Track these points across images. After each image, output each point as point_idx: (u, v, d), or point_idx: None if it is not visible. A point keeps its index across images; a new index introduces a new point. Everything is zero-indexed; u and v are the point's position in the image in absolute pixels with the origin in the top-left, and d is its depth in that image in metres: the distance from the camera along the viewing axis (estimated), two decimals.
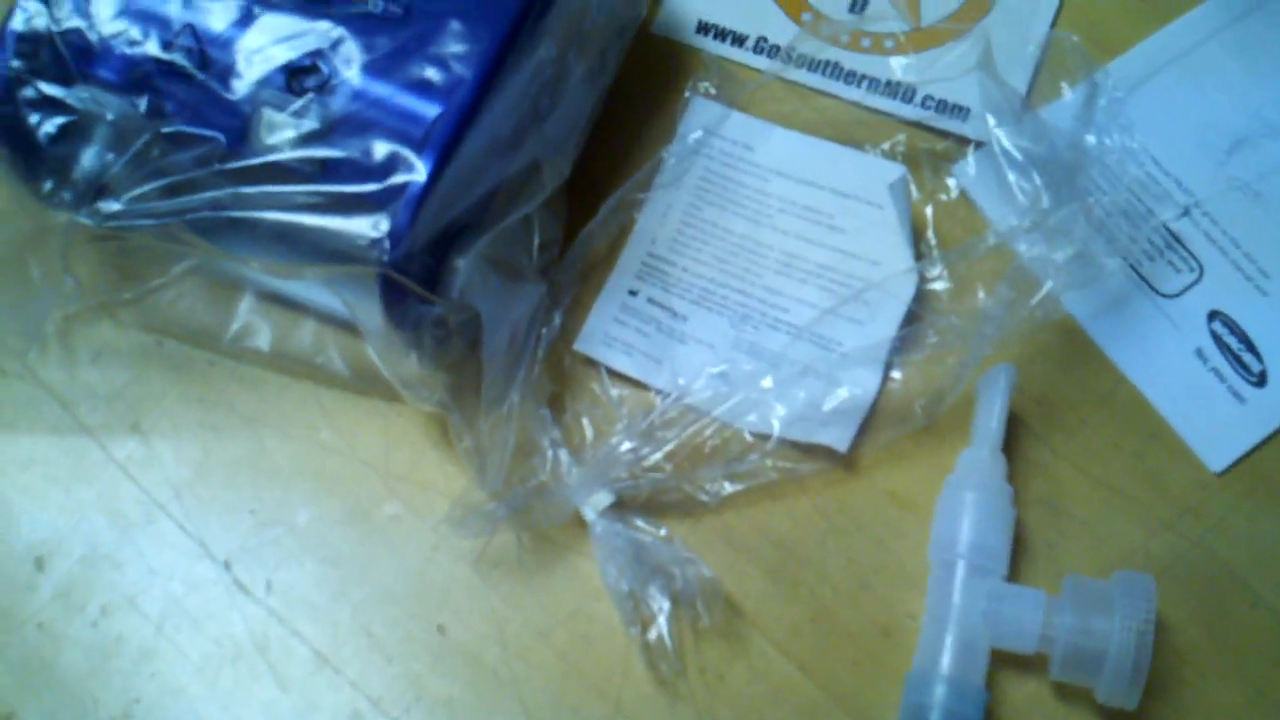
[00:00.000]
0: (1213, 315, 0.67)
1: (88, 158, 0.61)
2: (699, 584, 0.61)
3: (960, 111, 0.72)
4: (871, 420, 0.65)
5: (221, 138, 0.59)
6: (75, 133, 0.61)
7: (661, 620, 0.61)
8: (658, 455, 0.63)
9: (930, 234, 0.70)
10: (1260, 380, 0.65)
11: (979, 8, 0.75)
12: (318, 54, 0.60)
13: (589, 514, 0.63)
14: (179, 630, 0.64)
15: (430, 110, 0.59)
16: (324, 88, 0.60)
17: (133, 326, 0.70)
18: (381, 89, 0.59)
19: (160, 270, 0.67)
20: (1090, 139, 0.66)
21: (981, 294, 0.67)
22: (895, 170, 0.70)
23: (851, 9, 0.76)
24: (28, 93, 0.61)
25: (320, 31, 0.60)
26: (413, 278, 0.58)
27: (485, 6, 0.61)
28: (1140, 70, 0.72)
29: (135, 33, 0.61)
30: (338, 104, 0.59)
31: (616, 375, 0.68)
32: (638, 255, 0.70)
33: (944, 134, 0.72)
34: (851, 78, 0.74)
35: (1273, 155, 0.70)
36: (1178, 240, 0.68)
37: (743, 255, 0.70)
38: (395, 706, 0.62)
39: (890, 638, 0.62)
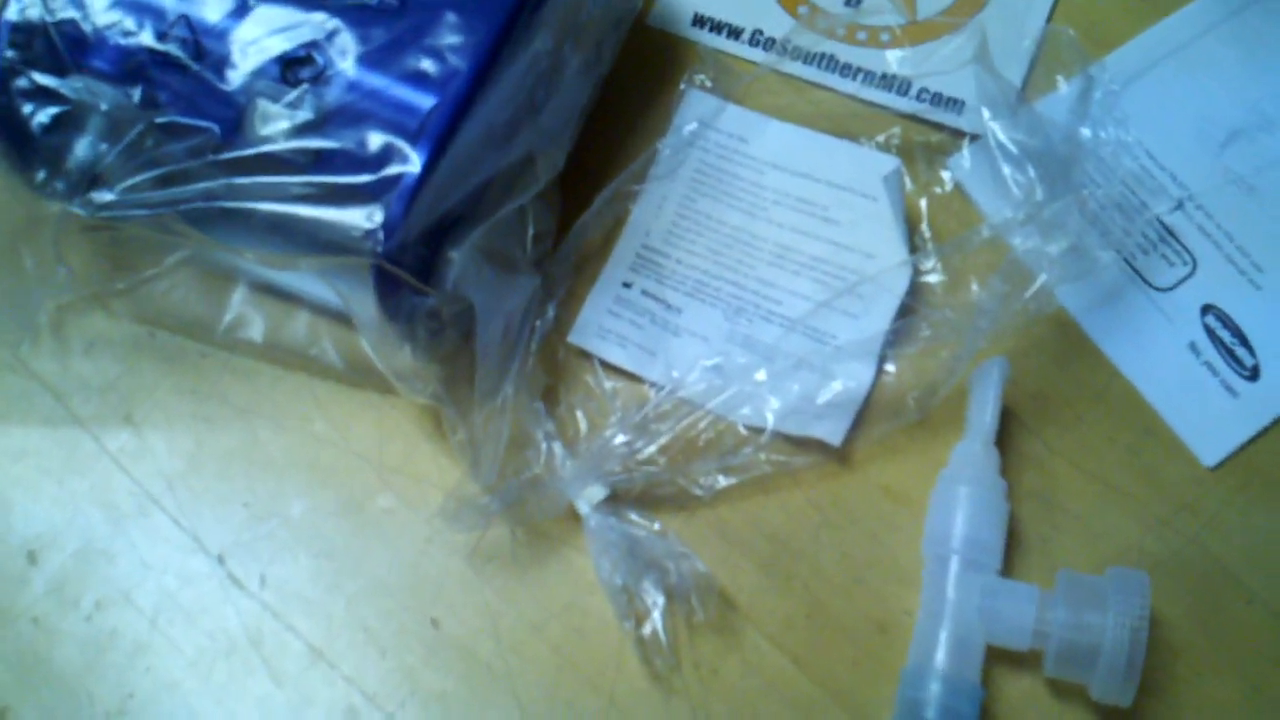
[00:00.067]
0: (1206, 309, 0.67)
1: (81, 148, 0.61)
2: (693, 578, 0.61)
3: (955, 104, 0.72)
4: (865, 414, 0.65)
5: (216, 128, 0.59)
6: (69, 123, 0.61)
7: (656, 614, 0.61)
8: (652, 448, 0.63)
9: (925, 227, 0.70)
10: (1253, 374, 0.65)
11: (975, 1, 0.75)
12: (313, 45, 0.60)
13: (583, 507, 0.63)
14: (173, 624, 0.64)
15: (425, 102, 0.59)
16: (319, 79, 0.60)
17: (125, 317, 0.70)
18: (376, 80, 0.59)
19: (153, 261, 0.67)
20: (1085, 132, 0.66)
21: (975, 287, 0.67)
22: (890, 163, 0.70)
23: (847, 2, 0.76)
24: (22, 83, 0.61)
25: (315, 23, 0.60)
26: (407, 269, 0.58)
27: None
28: (1136, 64, 0.72)
29: (130, 23, 0.61)
30: (332, 95, 0.59)
31: (610, 368, 0.68)
32: (632, 247, 0.70)
33: (939, 127, 0.72)
34: (847, 71, 0.74)
35: (1268, 149, 0.70)
36: (1171, 234, 0.68)
37: (737, 247, 0.70)
38: (390, 701, 0.62)
39: (885, 632, 0.62)
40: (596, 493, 0.62)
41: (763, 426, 0.64)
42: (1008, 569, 0.61)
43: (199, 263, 0.67)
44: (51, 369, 0.70)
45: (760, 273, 0.69)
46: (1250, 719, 0.60)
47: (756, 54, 0.75)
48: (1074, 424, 0.65)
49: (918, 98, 0.73)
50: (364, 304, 0.59)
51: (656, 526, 0.63)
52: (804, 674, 0.62)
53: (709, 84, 0.73)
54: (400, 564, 0.65)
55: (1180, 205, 0.69)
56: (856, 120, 0.73)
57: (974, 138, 0.71)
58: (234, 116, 0.59)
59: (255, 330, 0.68)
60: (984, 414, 0.63)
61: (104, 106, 0.60)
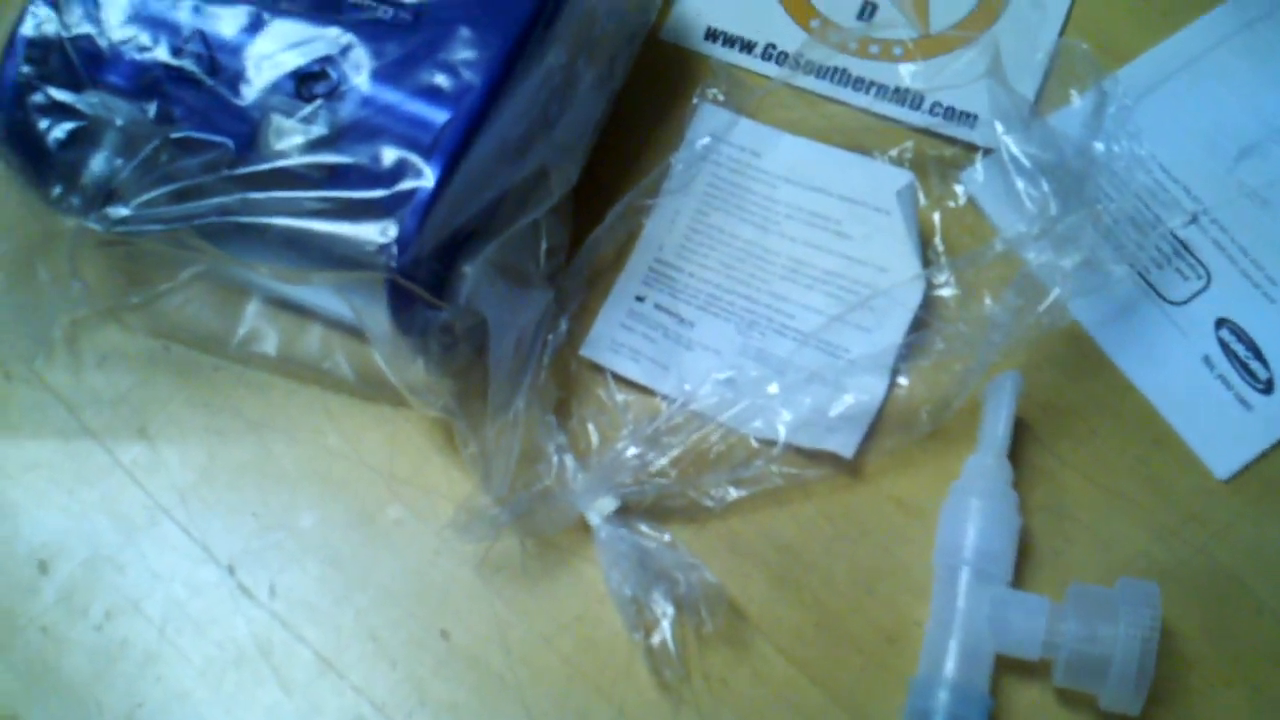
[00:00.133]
0: (1220, 323, 0.67)
1: (97, 163, 0.61)
2: (703, 589, 0.61)
3: (968, 118, 0.72)
4: (877, 426, 0.65)
5: (230, 143, 0.60)
6: (84, 138, 0.61)
7: (665, 625, 0.61)
8: (663, 461, 0.63)
9: (938, 241, 0.70)
10: (1267, 388, 0.65)
11: (988, 15, 0.75)
12: (327, 60, 0.60)
13: (593, 519, 0.63)
14: (182, 634, 0.65)
15: (439, 116, 0.59)
16: (333, 94, 0.60)
17: (140, 331, 0.70)
18: (390, 95, 0.60)
19: (168, 275, 0.67)
20: (1099, 146, 0.66)
21: (989, 301, 0.67)
22: (903, 177, 0.70)
23: (860, 16, 0.76)
24: (38, 98, 0.61)
25: (330, 38, 0.61)
26: (420, 284, 0.58)
27: (495, 13, 0.61)
28: (1149, 77, 0.72)
29: (145, 38, 0.61)
30: (347, 110, 0.59)
31: (622, 381, 0.68)
32: (645, 261, 0.70)
33: (952, 141, 0.72)
34: (860, 84, 0.74)
35: None
36: (1185, 248, 0.68)
37: (750, 261, 0.70)
38: (399, 711, 0.62)
39: (895, 644, 0.62)
40: (607, 505, 0.62)
41: (774, 439, 0.64)
42: (1019, 581, 0.61)
43: (213, 277, 0.67)
44: (65, 382, 0.70)
45: (773, 287, 0.69)
46: None
47: (769, 68, 0.75)
48: (1087, 437, 0.65)
49: (931, 112, 0.73)
50: (377, 318, 0.59)
51: (667, 538, 0.63)
52: (814, 684, 0.61)
53: (722, 98, 0.74)
54: (410, 575, 0.65)
55: (1194, 219, 0.69)
56: (869, 134, 0.73)
57: (987, 152, 0.71)
58: (248, 132, 0.60)
59: (269, 344, 0.68)
60: (997, 427, 0.63)
61: (119, 122, 0.61)
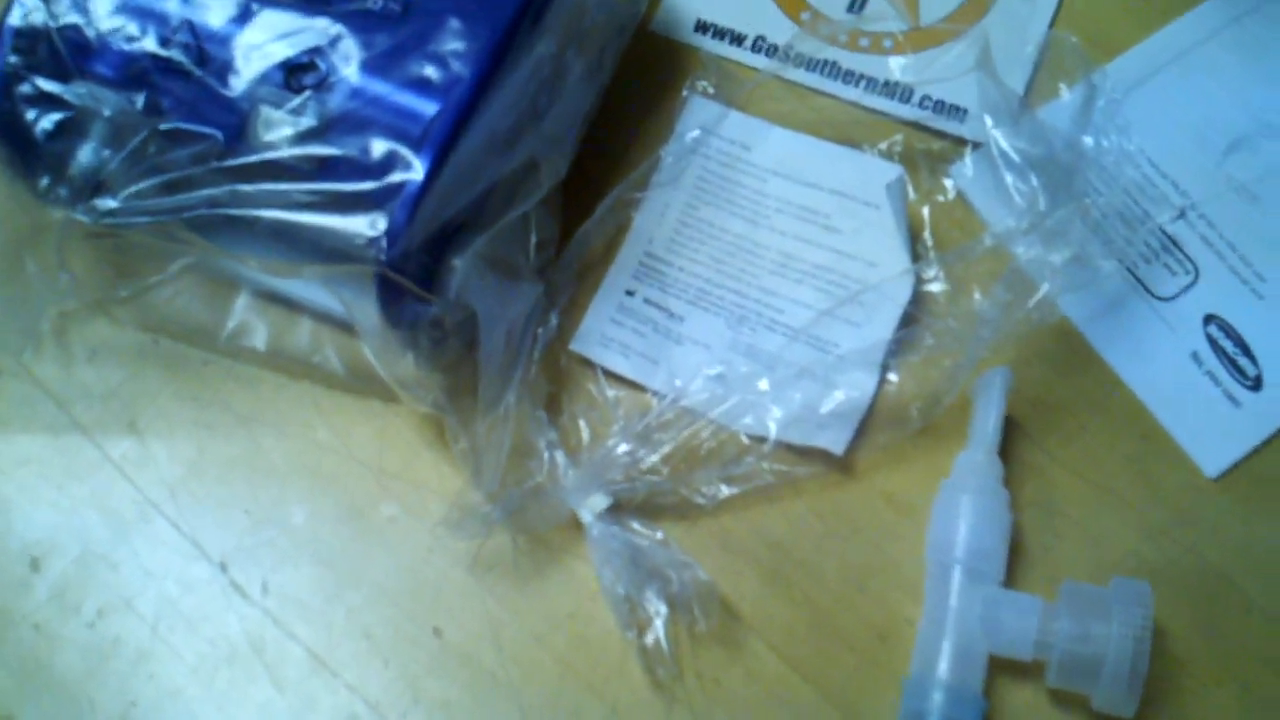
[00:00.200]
0: (1208, 319, 0.67)
1: (84, 154, 0.61)
2: (695, 587, 0.61)
3: (958, 112, 0.72)
4: (868, 423, 0.65)
5: (219, 135, 0.59)
6: (72, 129, 0.61)
7: (658, 624, 0.61)
8: (654, 458, 0.63)
9: (927, 235, 0.70)
10: (1256, 384, 0.65)
11: (978, 8, 0.75)
12: (316, 51, 0.60)
13: (585, 516, 0.62)
14: (174, 632, 0.64)
15: (428, 108, 0.58)
16: (322, 85, 0.59)
17: (128, 324, 0.70)
18: (380, 87, 0.59)
19: (156, 268, 0.67)
20: (1088, 140, 0.66)
21: (978, 296, 0.67)
22: (892, 170, 0.70)
23: (850, 8, 0.76)
24: (25, 89, 0.61)
25: (319, 29, 0.60)
26: (409, 277, 0.58)
27: (484, 4, 0.61)
28: (1139, 71, 0.72)
29: (133, 29, 0.61)
30: (336, 101, 0.59)
31: (613, 376, 0.68)
32: (635, 255, 0.70)
33: (941, 134, 0.72)
34: (850, 77, 0.74)
35: (1270, 156, 0.70)
36: (1174, 243, 0.68)
37: (740, 255, 0.70)
38: (393, 710, 0.62)
39: (887, 641, 0.62)
40: (599, 502, 0.62)
41: (765, 436, 0.64)
42: (1010, 578, 0.61)
43: (202, 270, 0.67)
44: (54, 375, 0.69)
45: (763, 281, 0.69)
46: None
47: (759, 60, 0.75)
48: (1076, 433, 0.65)
49: (920, 105, 0.73)
50: (367, 312, 0.59)
51: (659, 535, 0.63)
52: (806, 683, 0.62)
53: (711, 90, 0.73)
54: (402, 572, 0.65)
55: (1182, 214, 0.69)
56: (859, 127, 0.73)
57: (976, 145, 0.71)
58: (237, 123, 0.59)
59: (258, 338, 0.68)
60: (986, 423, 0.63)
61: (107, 112, 0.60)
